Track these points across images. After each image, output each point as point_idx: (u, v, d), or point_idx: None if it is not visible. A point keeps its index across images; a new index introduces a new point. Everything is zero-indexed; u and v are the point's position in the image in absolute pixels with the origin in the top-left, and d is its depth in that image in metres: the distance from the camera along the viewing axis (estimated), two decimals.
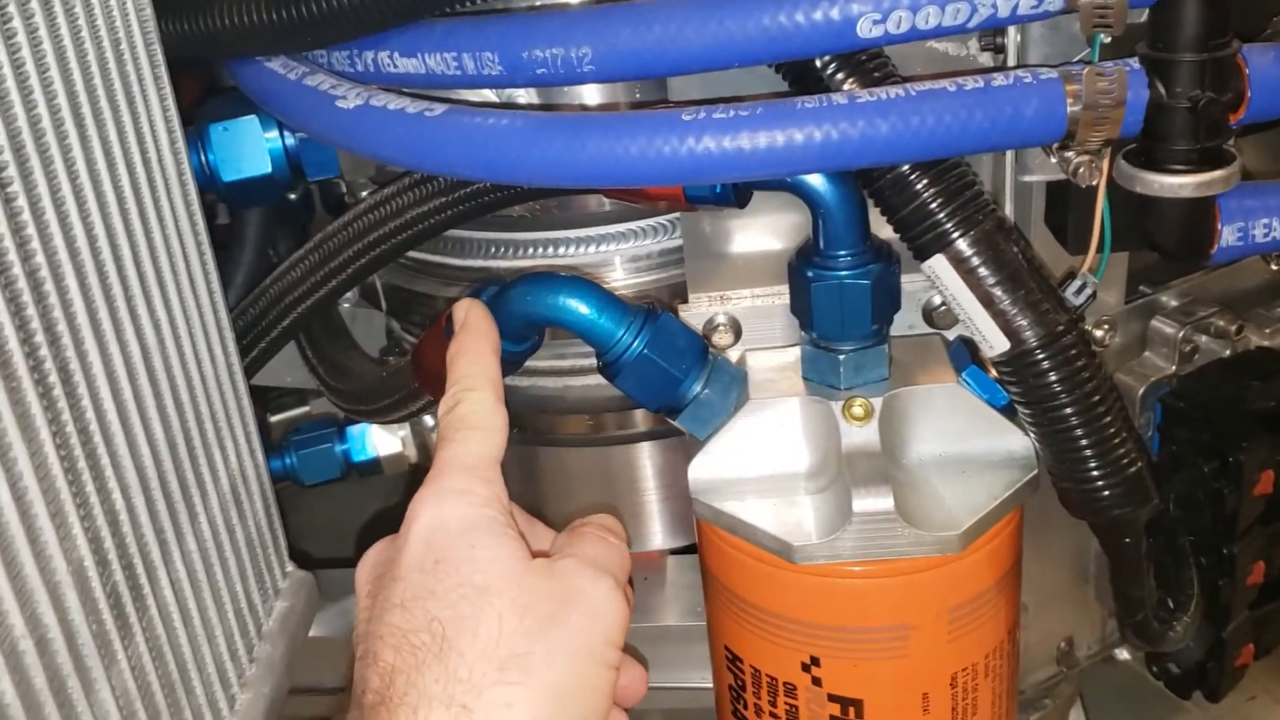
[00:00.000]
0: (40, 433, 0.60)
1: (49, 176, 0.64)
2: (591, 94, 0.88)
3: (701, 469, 0.80)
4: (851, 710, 0.79)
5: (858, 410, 0.76)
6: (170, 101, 0.81)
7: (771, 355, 0.84)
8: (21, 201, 0.61)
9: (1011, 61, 0.75)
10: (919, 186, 0.72)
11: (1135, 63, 0.69)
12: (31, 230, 0.61)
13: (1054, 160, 0.73)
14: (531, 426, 1.05)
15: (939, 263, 0.73)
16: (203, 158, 1.02)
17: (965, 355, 0.80)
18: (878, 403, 0.76)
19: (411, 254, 1.02)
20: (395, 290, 1.07)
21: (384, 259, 0.97)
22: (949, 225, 0.72)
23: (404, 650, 0.63)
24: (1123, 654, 1.07)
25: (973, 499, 0.76)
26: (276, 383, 1.23)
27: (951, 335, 0.83)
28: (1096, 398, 0.74)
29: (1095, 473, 0.75)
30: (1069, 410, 0.73)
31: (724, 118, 0.68)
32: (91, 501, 0.65)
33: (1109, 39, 0.69)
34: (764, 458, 0.79)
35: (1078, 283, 0.75)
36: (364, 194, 0.99)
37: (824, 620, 0.77)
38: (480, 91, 0.85)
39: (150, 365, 0.74)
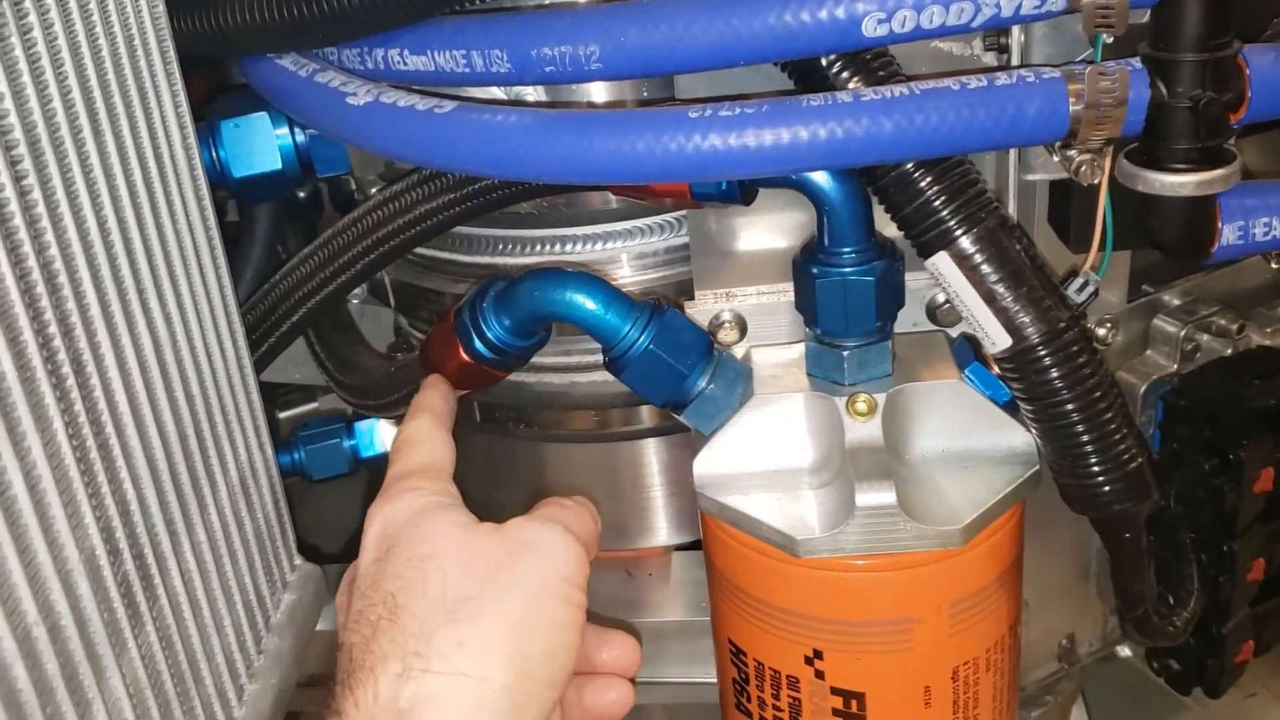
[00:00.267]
0: (54, 423, 0.60)
1: (63, 171, 0.64)
2: (599, 92, 0.88)
3: (706, 464, 0.80)
4: (854, 703, 0.79)
5: (861, 406, 0.77)
6: (182, 97, 0.81)
7: (776, 351, 0.84)
8: (36, 195, 0.61)
9: (1015, 61, 0.76)
10: (923, 184, 0.72)
11: (1137, 62, 0.70)
12: (46, 224, 0.62)
13: (1056, 159, 0.74)
14: (538, 422, 1.05)
15: (942, 260, 0.73)
16: (214, 153, 1.02)
17: (968, 352, 0.81)
18: (881, 398, 0.77)
19: (420, 250, 1.03)
20: (403, 286, 1.07)
21: (392, 255, 0.98)
22: (952, 223, 0.72)
23: (362, 627, 0.65)
24: (1124, 651, 1.07)
25: (975, 494, 0.77)
26: (285, 379, 1.24)
27: (955, 333, 0.84)
28: (1098, 394, 0.74)
29: (1096, 468, 0.76)
30: (1070, 406, 0.74)
31: (730, 115, 0.69)
32: (103, 491, 0.66)
33: (1111, 39, 0.70)
34: (768, 453, 0.80)
35: (1080, 280, 0.76)
36: (373, 191, 0.99)
37: (827, 614, 0.78)
38: (488, 89, 0.86)
39: (161, 357, 0.74)
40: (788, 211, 0.84)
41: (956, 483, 0.78)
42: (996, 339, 0.74)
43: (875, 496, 0.74)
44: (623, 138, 0.70)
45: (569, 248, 0.97)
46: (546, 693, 0.65)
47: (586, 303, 0.78)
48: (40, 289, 0.61)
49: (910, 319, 0.84)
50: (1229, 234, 0.76)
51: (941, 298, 0.84)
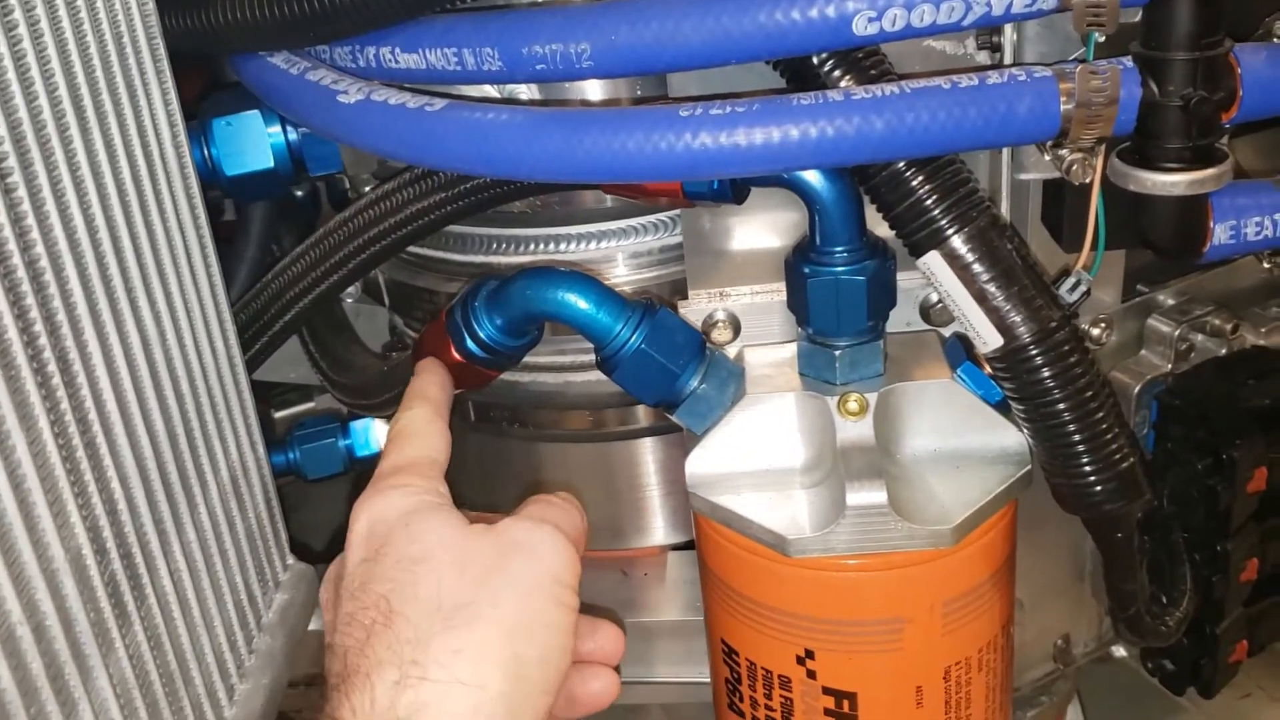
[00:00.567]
0: (39, 422, 0.60)
1: (49, 169, 0.64)
2: (592, 90, 0.88)
3: (698, 463, 0.80)
4: (845, 703, 0.79)
5: (853, 405, 0.77)
6: (172, 95, 0.81)
7: (769, 351, 0.84)
8: (22, 193, 0.61)
9: (1008, 60, 0.76)
10: (914, 183, 0.72)
11: (1129, 61, 0.70)
12: (31, 222, 0.62)
13: (1048, 158, 0.74)
14: (532, 422, 1.05)
15: (934, 259, 0.73)
16: (205, 152, 1.02)
17: (960, 351, 0.81)
18: (873, 398, 0.77)
19: (413, 249, 1.03)
20: (397, 285, 1.07)
21: (386, 254, 0.98)
22: (944, 222, 0.72)
23: (355, 630, 0.65)
24: (1119, 651, 1.07)
25: (966, 494, 0.77)
26: (280, 378, 1.24)
27: (947, 332, 0.84)
28: (1089, 393, 0.74)
29: (1087, 468, 0.75)
30: (1061, 406, 0.74)
31: (721, 114, 0.69)
32: (90, 491, 0.65)
33: (1103, 38, 0.70)
34: (760, 452, 0.80)
35: (1071, 280, 0.76)
36: (366, 189, 0.99)
37: (818, 613, 0.78)
38: (481, 87, 0.85)
39: (150, 356, 0.74)
40: (782, 211, 0.84)
41: (948, 482, 0.78)
42: (988, 338, 0.74)
43: (866, 496, 0.74)
44: (614, 136, 0.70)
45: (562, 247, 0.97)
46: (541, 698, 0.66)
47: (578, 302, 0.78)
48: (26, 287, 0.61)
49: (902, 318, 0.84)
50: (1221, 233, 0.76)
51: (933, 297, 0.84)
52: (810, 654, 0.78)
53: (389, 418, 1.16)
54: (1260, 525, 0.91)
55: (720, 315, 0.87)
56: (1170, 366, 0.91)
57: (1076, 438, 0.75)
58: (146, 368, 0.73)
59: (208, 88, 1.09)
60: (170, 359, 0.77)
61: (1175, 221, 0.74)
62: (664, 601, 1.09)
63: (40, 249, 0.63)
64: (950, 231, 0.72)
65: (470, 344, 0.81)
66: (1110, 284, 0.88)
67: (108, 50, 0.72)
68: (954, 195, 0.72)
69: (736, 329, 0.87)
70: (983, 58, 0.77)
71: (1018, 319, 0.73)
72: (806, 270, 0.77)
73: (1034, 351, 0.73)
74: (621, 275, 0.97)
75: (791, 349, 0.82)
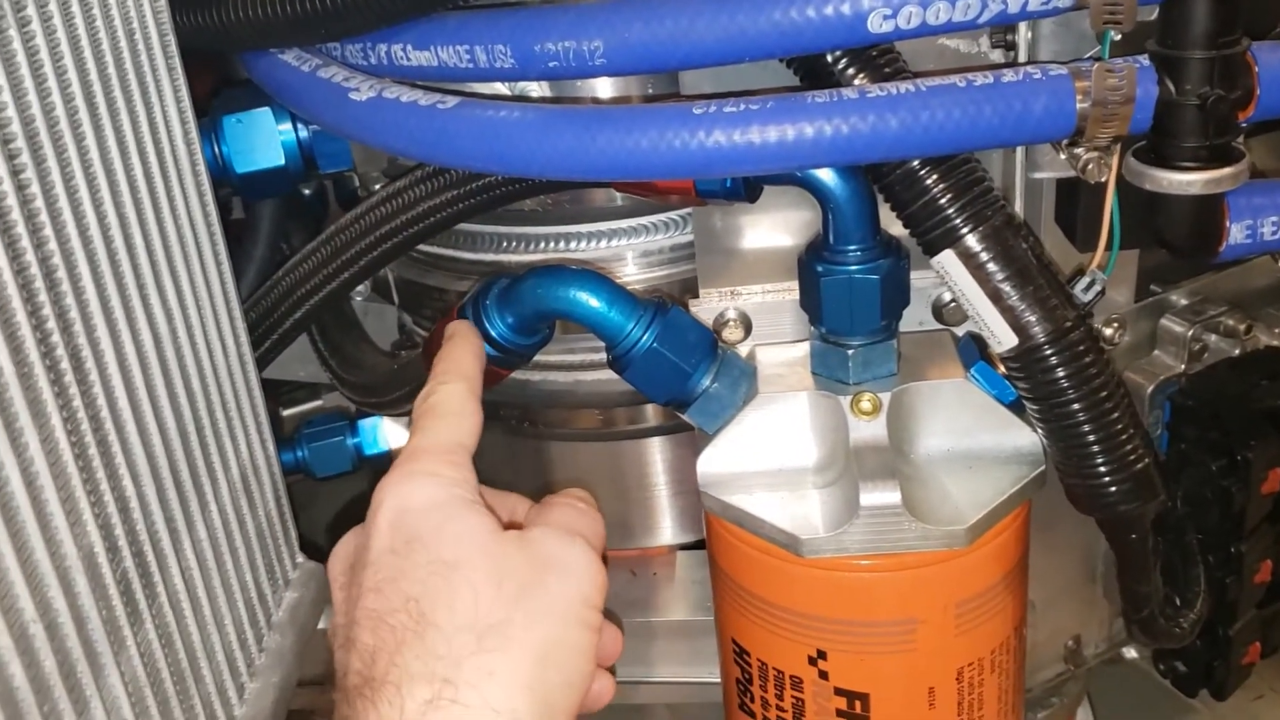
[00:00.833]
0: (52, 419, 0.60)
1: (63, 165, 0.64)
2: (603, 88, 0.88)
3: (710, 463, 0.80)
4: (858, 704, 0.79)
5: (866, 405, 0.76)
6: (184, 92, 0.81)
7: (781, 350, 0.84)
8: (35, 189, 0.61)
9: (1022, 58, 0.75)
10: (928, 182, 0.72)
11: (1145, 60, 0.69)
12: (45, 218, 0.62)
13: (1063, 157, 0.74)
14: (542, 420, 1.05)
15: (948, 258, 0.73)
16: (216, 149, 1.02)
17: (974, 351, 0.80)
18: (886, 398, 0.77)
19: (423, 248, 1.03)
20: (407, 284, 1.07)
21: (396, 252, 0.97)
22: (958, 221, 0.72)
23: (382, 631, 0.63)
24: (1130, 653, 1.07)
25: (980, 494, 0.76)
26: (289, 377, 1.23)
27: (960, 331, 0.83)
28: (1104, 394, 0.74)
29: (1102, 468, 0.75)
30: (1076, 406, 0.74)
31: (735, 111, 0.68)
32: (102, 488, 0.65)
33: (1119, 36, 0.69)
34: (772, 452, 0.80)
35: (1086, 279, 0.76)
36: (376, 187, 0.99)
37: (831, 614, 0.77)
38: (491, 85, 0.85)
39: (162, 353, 0.74)
40: (793, 209, 0.84)
41: (961, 482, 0.78)
42: (1002, 338, 0.74)
43: (880, 496, 0.74)
44: (627, 134, 0.70)
45: (573, 245, 0.97)
46: None
47: (590, 300, 0.78)
48: (38, 284, 0.60)
49: (916, 318, 0.84)
50: (1237, 233, 0.76)
51: (947, 296, 0.83)
52: (823, 654, 0.78)
53: (398, 416, 1.16)
54: (1274, 527, 0.91)
55: (731, 314, 0.86)
56: (1183, 367, 0.91)
57: (1091, 438, 0.74)
58: (158, 365, 0.73)
59: (218, 85, 1.08)
60: (181, 356, 0.77)
61: (1191, 221, 0.73)
62: (672, 601, 1.09)
63: (54, 245, 0.62)
64: (965, 230, 0.72)
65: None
66: (1123, 284, 0.88)
67: (120, 47, 0.72)
68: (969, 194, 0.72)
69: (748, 328, 0.87)
70: (996, 56, 0.77)
71: (1033, 318, 0.73)
72: (820, 269, 0.77)
73: (1049, 351, 0.73)
74: (631, 274, 0.97)
75: (803, 348, 0.82)
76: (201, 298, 0.81)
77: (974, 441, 0.79)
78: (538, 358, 0.87)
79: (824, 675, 0.79)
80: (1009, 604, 0.80)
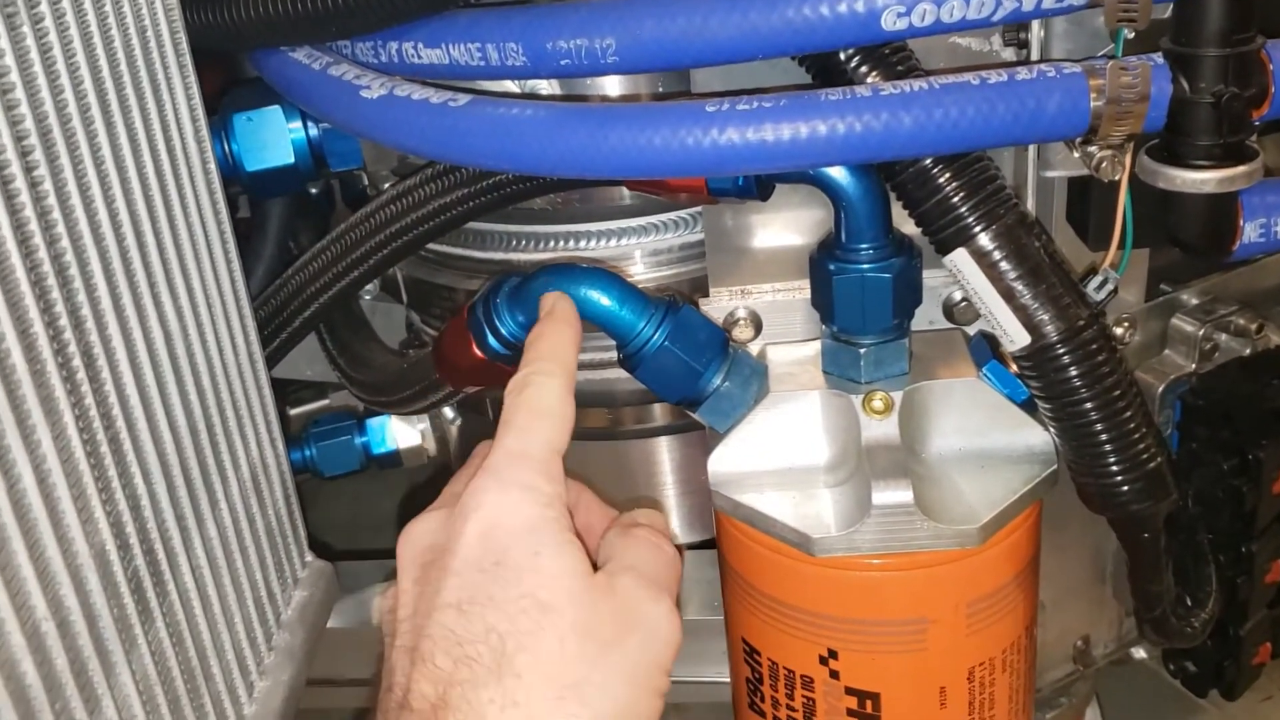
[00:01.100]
0: (64, 417, 0.60)
1: (74, 162, 0.64)
2: (613, 86, 0.88)
3: (721, 461, 0.80)
4: (869, 703, 0.79)
5: (878, 404, 0.76)
6: (195, 90, 0.81)
7: (792, 349, 0.84)
8: (47, 186, 0.61)
9: (1035, 57, 0.75)
10: (941, 180, 0.72)
11: (1159, 58, 0.69)
12: (57, 215, 0.62)
13: (1076, 155, 0.73)
14: None
15: (961, 256, 0.73)
16: (226, 147, 1.02)
17: (986, 350, 0.80)
18: (898, 396, 0.76)
19: (432, 246, 1.03)
20: (416, 283, 1.07)
21: (405, 251, 0.97)
22: (971, 219, 0.72)
23: (460, 661, 0.61)
24: (1139, 653, 1.07)
25: (992, 493, 0.76)
26: (296, 375, 1.23)
27: (973, 330, 0.83)
28: (1117, 393, 0.73)
29: (1114, 468, 0.75)
30: (1089, 405, 0.73)
31: (748, 109, 0.68)
32: (114, 486, 0.65)
33: (1133, 33, 0.69)
34: (783, 451, 0.79)
35: (1099, 278, 0.75)
36: (386, 186, 0.99)
37: (842, 613, 0.77)
38: (502, 82, 0.85)
39: (173, 351, 0.74)
40: (804, 208, 0.84)
41: (974, 482, 0.77)
42: (1015, 337, 0.74)
43: (892, 495, 0.73)
44: (639, 132, 0.69)
45: (583, 244, 0.97)
46: None
47: (601, 299, 0.78)
48: (51, 281, 0.60)
49: (927, 316, 0.83)
50: (1250, 231, 0.76)
51: (959, 295, 0.83)
52: (833, 654, 0.78)
53: (406, 415, 1.16)
54: None
55: (742, 313, 0.86)
56: (1194, 366, 0.90)
57: (1104, 437, 0.74)
58: (169, 362, 0.73)
59: (228, 83, 1.08)
60: (192, 353, 0.77)
61: (1205, 219, 0.73)
62: (681, 601, 1.09)
63: (65, 243, 0.62)
64: (978, 229, 0.72)
65: (492, 341, 0.80)
66: (1134, 283, 0.88)
67: (131, 44, 0.72)
68: (981, 192, 0.72)
69: (758, 327, 0.86)
70: (1009, 54, 0.77)
71: (1045, 317, 0.72)
72: (832, 268, 0.77)
73: (1061, 350, 0.73)
74: (642, 272, 0.97)
75: (814, 347, 0.82)
76: (212, 295, 0.81)
77: (986, 440, 0.78)
78: None
79: (835, 675, 0.79)
80: (1020, 603, 0.80)
